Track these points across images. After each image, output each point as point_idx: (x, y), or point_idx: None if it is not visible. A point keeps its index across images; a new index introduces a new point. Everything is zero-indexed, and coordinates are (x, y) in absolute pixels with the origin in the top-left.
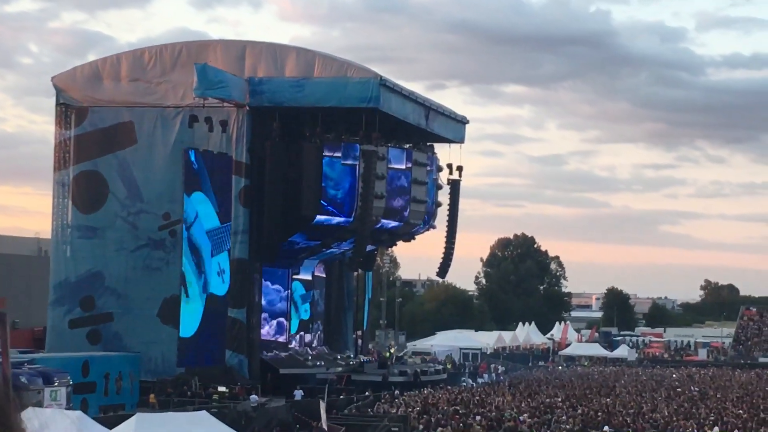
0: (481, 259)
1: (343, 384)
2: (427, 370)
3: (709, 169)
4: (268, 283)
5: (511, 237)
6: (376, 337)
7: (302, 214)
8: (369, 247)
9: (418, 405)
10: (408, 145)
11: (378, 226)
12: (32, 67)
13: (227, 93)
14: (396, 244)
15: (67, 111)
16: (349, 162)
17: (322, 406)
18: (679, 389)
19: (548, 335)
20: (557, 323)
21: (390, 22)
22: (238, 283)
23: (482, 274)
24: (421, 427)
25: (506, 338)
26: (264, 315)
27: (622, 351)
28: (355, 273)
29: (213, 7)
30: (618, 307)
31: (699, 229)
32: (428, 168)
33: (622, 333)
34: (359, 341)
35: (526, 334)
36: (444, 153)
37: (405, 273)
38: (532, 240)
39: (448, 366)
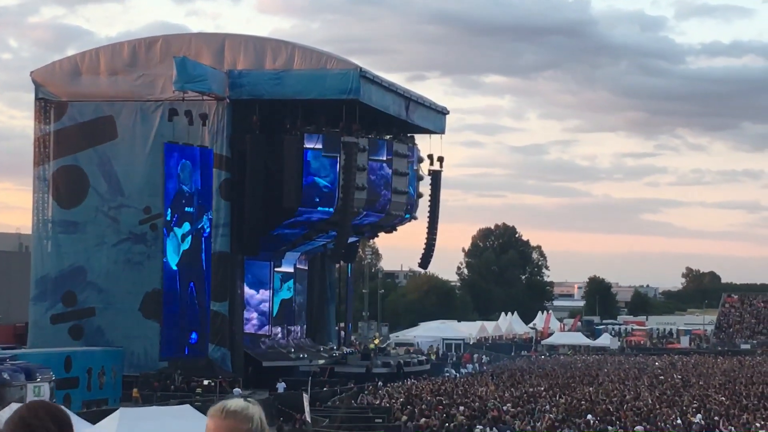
0: (463, 250)
1: (327, 376)
2: (410, 361)
3: (690, 157)
4: (249, 275)
5: (493, 227)
6: (359, 329)
7: (284, 207)
8: (351, 239)
9: (401, 396)
10: (389, 137)
11: (359, 217)
12: (11, 62)
13: (207, 86)
14: (378, 236)
15: (46, 106)
16: (330, 154)
17: (306, 398)
18: (661, 377)
19: (531, 325)
20: (539, 313)
21: (370, 14)
22: (220, 276)
23: (464, 265)
24: (404, 417)
25: (489, 328)
26: (246, 307)
27: (605, 340)
28: (337, 265)
29: (192, 0)
30: (600, 296)
31: (680, 217)
32: (409, 159)
33: (604, 321)
34: (342, 333)
35: (508, 324)
36: (425, 144)
37: (387, 264)
38: (513, 230)
39: (433, 357)
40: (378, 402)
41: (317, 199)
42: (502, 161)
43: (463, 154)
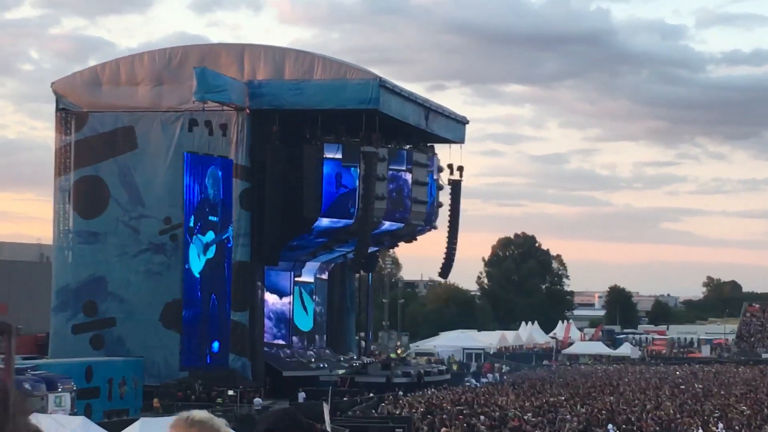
0: (483, 259)
1: (347, 386)
2: (430, 370)
3: (710, 165)
4: (270, 285)
5: (513, 236)
6: (379, 339)
7: (303, 217)
8: (371, 249)
9: (421, 406)
10: (408, 146)
11: (379, 227)
12: (33, 73)
13: (227, 96)
14: (397, 245)
15: (67, 116)
16: (350, 164)
17: (326, 408)
18: (682, 386)
19: (551, 334)
20: (560, 322)
21: (389, 24)
22: (241, 285)
23: (484, 274)
24: (425, 427)
25: (509, 338)
26: (267, 317)
27: (625, 349)
28: (357, 275)
29: (212, 10)
30: (620, 305)
31: (700, 226)
32: (429, 168)
33: (625, 331)
34: (362, 343)
35: (529, 334)
36: (444, 153)
37: (407, 274)
38: (533, 239)
39: (455, 367)
40: (398, 412)
41: (337, 210)
42: (522, 170)
43: (483, 164)
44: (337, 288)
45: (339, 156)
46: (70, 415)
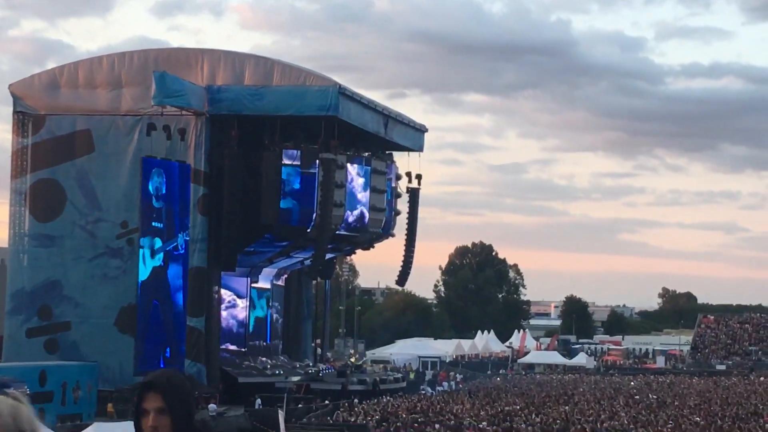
0: (440, 268)
1: (302, 393)
2: (386, 378)
3: (668, 177)
4: (227, 291)
5: (470, 245)
6: (335, 346)
7: (261, 223)
8: (328, 256)
9: (377, 414)
10: (367, 154)
11: (336, 234)
12: None
13: (186, 101)
14: (355, 253)
15: (24, 119)
16: (308, 170)
17: (281, 415)
18: (637, 397)
19: (507, 343)
20: (516, 331)
21: (351, 31)
22: (197, 291)
23: (441, 283)
24: None
25: (465, 346)
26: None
27: (581, 359)
28: (315, 281)
29: (174, 15)
30: (576, 315)
31: (657, 238)
32: (387, 176)
33: (580, 341)
34: (318, 350)
35: (485, 343)
36: (403, 161)
37: (364, 281)
38: (490, 248)
39: (411, 375)
40: (353, 419)
41: (294, 216)
42: (480, 179)
43: (441, 172)
44: (293, 294)
45: (297, 162)
46: None
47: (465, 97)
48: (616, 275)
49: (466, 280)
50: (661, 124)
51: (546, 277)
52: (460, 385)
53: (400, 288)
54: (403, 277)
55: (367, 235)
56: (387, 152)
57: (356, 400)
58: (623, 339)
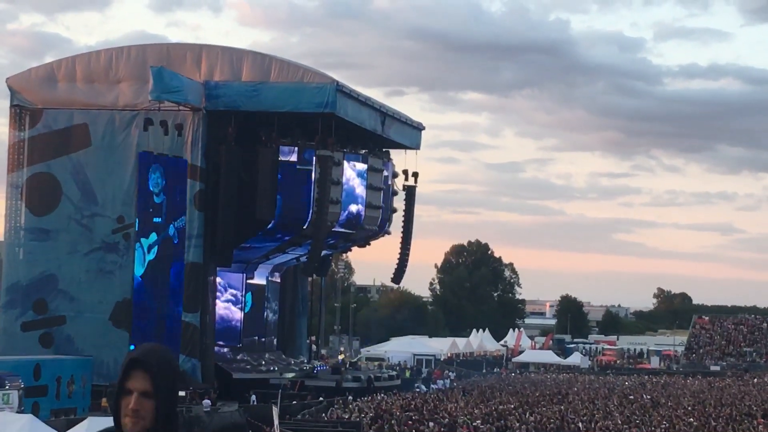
0: (436, 266)
1: (297, 389)
2: (380, 376)
3: (664, 178)
4: (222, 287)
5: (466, 244)
6: (330, 343)
7: (257, 219)
8: (324, 253)
9: (371, 411)
10: (364, 151)
11: (333, 231)
12: None
13: (183, 97)
14: (351, 250)
15: (21, 112)
16: (305, 167)
17: (275, 411)
18: (631, 397)
19: (502, 342)
20: (511, 330)
21: (349, 28)
22: (192, 287)
23: (436, 281)
24: None
25: (460, 345)
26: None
27: (575, 358)
28: (310, 278)
29: (173, 10)
30: (571, 315)
31: (653, 238)
32: (384, 174)
33: (575, 340)
34: (313, 347)
35: (479, 341)
36: (400, 159)
37: (359, 279)
38: (486, 247)
39: (407, 373)
40: (348, 417)
41: (291, 212)
42: (477, 178)
43: (438, 170)
44: (289, 291)
45: (294, 159)
46: (17, 412)
47: (463, 95)
48: (612, 275)
49: (462, 279)
50: (659, 124)
51: (541, 276)
52: (455, 384)
53: (395, 286)
54: (398, 274)
55: (363, 233)
56: (384, 150)
57: (350, 397)
58: (618, 339)
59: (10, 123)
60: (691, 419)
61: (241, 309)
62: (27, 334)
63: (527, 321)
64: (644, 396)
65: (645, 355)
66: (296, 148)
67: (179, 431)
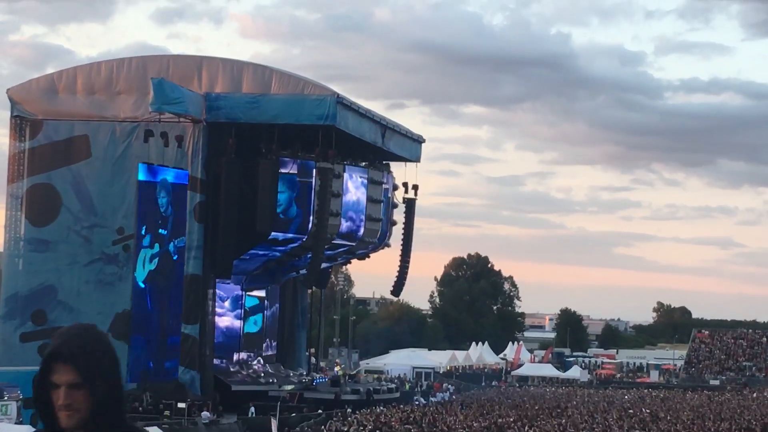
0: (436, 278)
1: (296, 402)
2: (379, 388)
3: (665, 192)
4: (222, 299)
5: (466, 257)
6: (329, 355)
7: (257, 231)
8: (323, 265)
9: (370, 423)
10: (364, 164)
11: (332, 243)
12: None
13: (183, 108)
14: (350, 262)
15: (21, 123)
16: (305, 179)
17: (274, 423)
18: (630, 411)
19: (501, 355)
20: (510, 343)
21: (351, 41)
22: (191, 298)
23: (436, 294)
24: None
25: (459, 358)
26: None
27: (575, 372)
28: (310, 291)
29: (174, 22)
30: (571, 328)
31: (653, 252)
32: (384, 186)
33: (574, 354)
34: (312, 359)
35: (479, 354)
36: (400, 172)
37: (359, 291)
38: (486, 260)
39: (407, 386)
40: (347, 429)
41: (291, 225)
42: (478, 191)
43: (439, 183)
44: (288, 303)
45: (294, 171)
46: (15, 424)
47: (464, 108)
48: (612, 289)
49: (461, 292)
50: (660, 138)
51: (541, 289)
52: (454, 397)
53: (395, 298)
54: (398, 287)
55: (363, 245)
56: (384, 162)
57: (349, 410)
58: (617, 352)
59: (10, 134)
60: None
61: (241, 321)
62: (26, 345)
63: (527, 334)
64: (643, 410)
65: (644, 369)
66: (296, 160)
67: (125, 415)
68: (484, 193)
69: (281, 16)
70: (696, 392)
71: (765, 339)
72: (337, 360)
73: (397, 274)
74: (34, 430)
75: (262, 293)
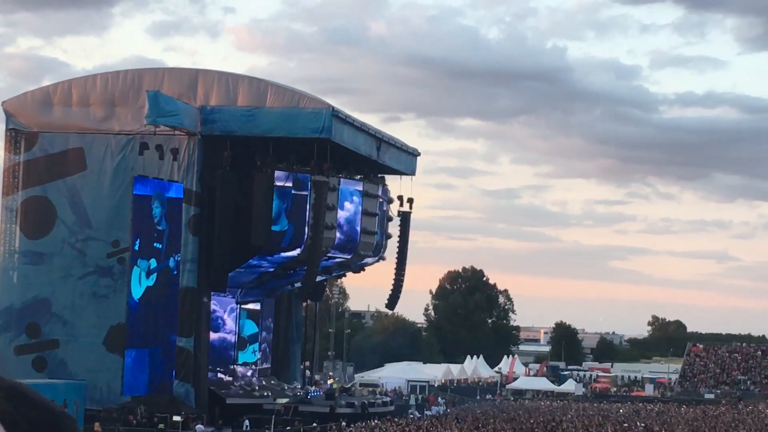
0: (431, 292)
1: (290, 415)
2: (374, 401)
3: (660, 205)
4: (217, 312)
5: (461, 270)
6: (324, 369)
7: (252, 244)
8: (318, 278)
9: None
10: (359, 177)
11: (328, 256)
12: None
13: (179, 121)
14: (345, 275)
15: (16, 136)
16: (300, 192)
17: None
18: (625, 425)
19: (496, 369)
20: (505, 357)
21: (347, 55)
22: (186, 311)
23: (431, 307)
24: None
25: (454, 371)
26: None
27: (570, 385)
28: (305, 304)
29: (170, 35)
30: (566, 342)
31: (648, 265)
32: (379, 199)
33: (569, 367)
34: (307, 372)
35: (474, 368)
36: (396, 185)
37: (354, 304)
38: (481, 273)
39: (404, 399)
40: None
41: (286, 238)
42: (473, 204)
43: (435, 196)
44: (283, 316)
45: (289, 184)
46: None
47: (459, 121)
48: (607, 302)
49: (456, 305)
50: (655, 152)
51: (536, 303)
52: (448, 410)
53: (389, 311)
54: (393, 300)
55: (358, 258)
56: (379, 175)
57: (344, 423)
58: (612, 366)
59: (5, 146)
60: None
61: (235, 334)
62: (20, 357)
63: (521, 348)
64: (638, 424)
65: (639, 383)
66: (291, 173)
67: None
68: (479, 207)
69: (277, 29)
70: (691, 406)
71: (760, 353)
72: (330, 373)
73: (392, 287)
74: None
75: (257, 306)
